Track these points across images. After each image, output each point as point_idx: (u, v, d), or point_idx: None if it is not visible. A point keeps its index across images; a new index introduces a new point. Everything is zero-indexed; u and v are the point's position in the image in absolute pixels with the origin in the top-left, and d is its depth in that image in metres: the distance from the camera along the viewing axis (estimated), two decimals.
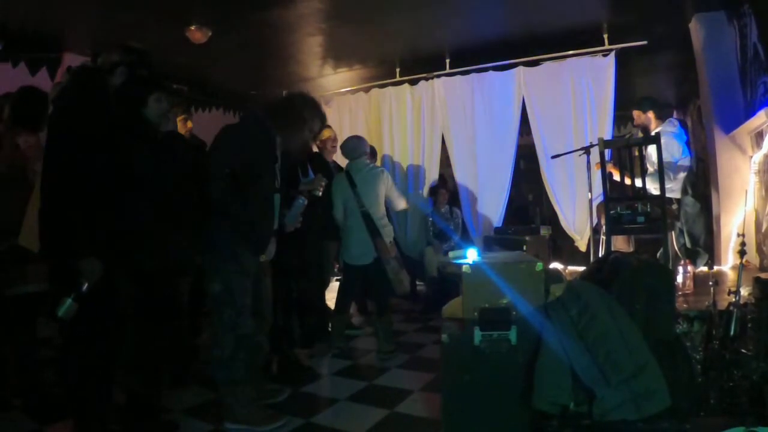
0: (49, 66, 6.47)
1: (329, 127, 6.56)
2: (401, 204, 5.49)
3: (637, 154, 4.80)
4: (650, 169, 5.20)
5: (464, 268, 3.03)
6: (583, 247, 6.84)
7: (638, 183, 4.71)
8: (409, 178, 8.19)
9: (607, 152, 5.01)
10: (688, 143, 5.69)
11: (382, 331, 5.26)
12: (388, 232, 5.23)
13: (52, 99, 3.16)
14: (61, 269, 3.03)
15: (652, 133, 5.53)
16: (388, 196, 5.37)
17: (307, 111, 3.85)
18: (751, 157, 5.64)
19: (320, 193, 4.55)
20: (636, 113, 5.98)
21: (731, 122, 5.86)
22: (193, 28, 6.15)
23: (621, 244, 5.43)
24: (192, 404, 3.98)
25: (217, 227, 3.48)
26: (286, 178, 4.06)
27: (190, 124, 4.46)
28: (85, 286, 2.82)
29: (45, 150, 3.06)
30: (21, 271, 3.66)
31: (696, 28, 6.22)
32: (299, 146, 4.01)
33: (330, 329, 5.48)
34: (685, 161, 5.57)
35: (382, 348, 5.20)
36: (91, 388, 3.02)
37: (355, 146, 5.47)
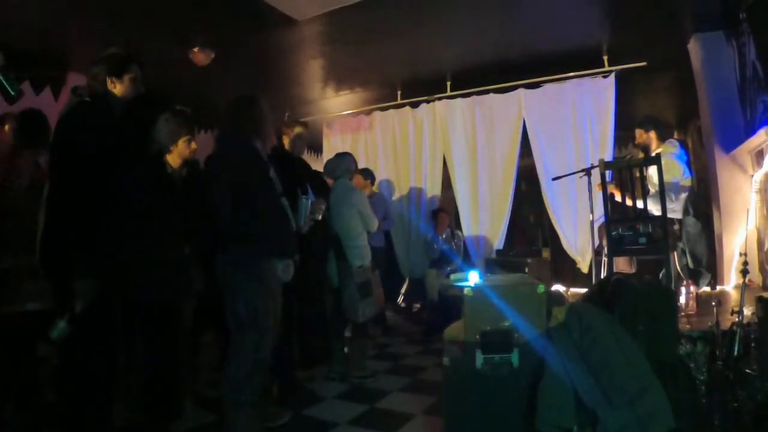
0: (53, 85, 6.52)
1: None
2: (371, 225, 5.33)
3: (638, 175, 4.80)
4: (651, 190, 5.20)
5: (466, 290, 3.02)
6: (585, 269, 6.83)
7: (639, 204, 4.71)
8: (410, 200, 8.20)
9: (608, 173, 5.02)
10: (688, 163, 5.69)
11: (356, 354, 5.23)
12: (355, 255, 5.08)
13: (58, 119, 3.16)
14: (58, 289, 3.03)
15: (653, 154, 5.53)
16: (361, 213, 5.20)
17: (260, 102, 3.84)
18: (752, 176, 5.65)
19: (320, 217, 4.54)
20: (638, 132, 5.97)
21: (731, 141, 5.87)
22: (196, 50, 6.21)
23: (623, 265, 5.42)
24: (191, 426, 3.96)
25: (238, 248, 3.49)
26: (289, 181, 4.07)
27: (194, 145, 4.46)
28: (78, 307, 2.80)
29: (49, 171, 3.07)
30: (23, 289, 3.67)
31: (695, 48, 6.26)
32: (272, 134, 4.09)
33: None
34: (686, 181, 5.55)
35: (353, 372, 5.15)
36: (88, 409, 3.00)
37: (334, 167, 5.43)
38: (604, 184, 4.82)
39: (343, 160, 5.47)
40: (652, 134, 5.81)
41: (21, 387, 3.87)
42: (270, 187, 3.67)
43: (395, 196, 8.34)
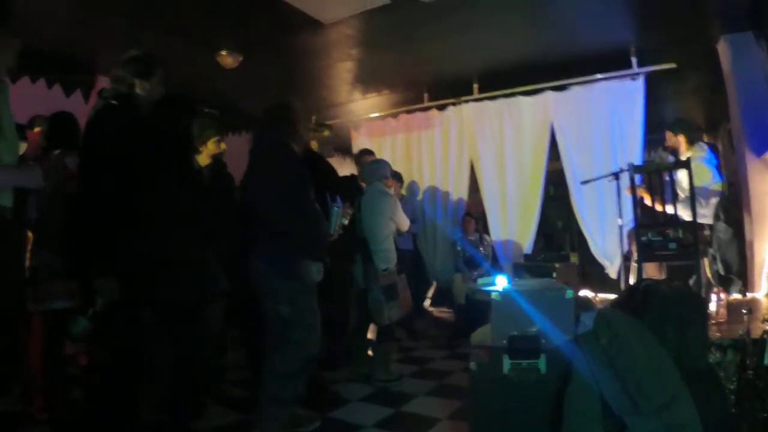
0: (83, 88, 6.64)
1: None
2: (403, 226, 5.44)
3: (667, 179, 4.75)
4: (681, 195, 5.14)
5: (493, 295, 3.01)
6: (613, 274, 6.75)
7: (669, 209, 4.66)
8: (437, 203, 8.18)
9: (637, 177, 4.97)
10: (718, 167, 5.61)
11: (379, 358, 5.25)
12: (381, 258, 5.14)
13: (86, 122, 3.20)
14: (81, 287, 3.07)
15: (682, 158, 5.46)
16: (392, 219, 5.28)
17: (296, 107, 4.01)
18: None
19: (347, 221, 4.58)
20: (668, 134, 5.91)
21: (763, 144, 5.76)
22: (224, 53, 6.25)
23: (652, 271, 5.36)
24: (216, 425, 3.98)
25: (277, 248, 3.55)
26: (317, 185, 4.14)
27: (223, 146, 4.50)
28: (99, 304, 2.83)
29: (78, 172, 3.11)
30: (51, 288, 3.74)
31: (724, 50, 6.15)
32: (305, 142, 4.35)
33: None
34: (717, 186, 5.48)
35: (378, 375, 5.16)
36: (115, 407, 3.02)
37: (371, 171, 5.49)
38: (633, 188, 4.78)
39: (379, 166, 5.54)
40: (681, 138, 5.74)
41: (48, 385, 3.93)
42: (309, 190, 3.75)
43: (422, 200, 8.32)
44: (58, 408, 3.92)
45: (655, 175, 4.94)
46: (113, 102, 3.12)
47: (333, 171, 5.28)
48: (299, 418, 3.95)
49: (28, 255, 3.86)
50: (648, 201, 5.31)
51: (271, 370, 3.56)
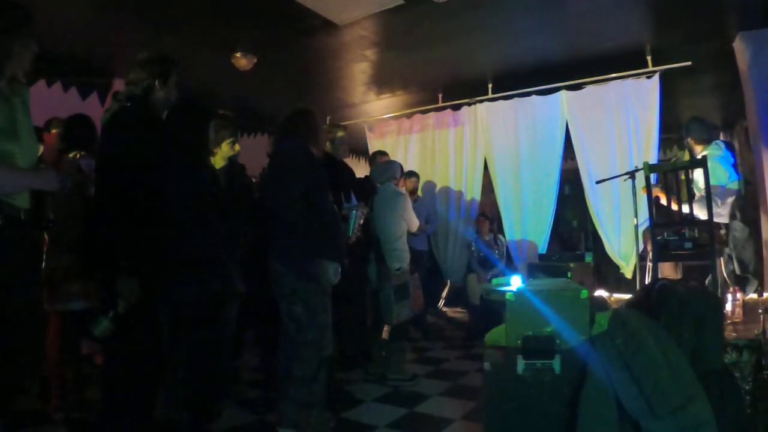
0: (100, 91, 6.68)
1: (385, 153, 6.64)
2: (412, 226, 5.49)
3: (683, 178, 4.72)
4: (697, 194, 5.09)
5: (508, 295, 3.00)
6: (629, 274, 6.71)
7: (685, 208, 4.63)
8: (450, 203, 8.16)
9: (653, 176, 4.94)
10: (735, 166, 5.55)
11: (393, 358, 5.26)
12: (394, 257, 5.18)
13: (102, 124, 3.21)
14: (101, 288, 3.08)
15: (698, 156, 5.41)
16: (404, 218, 5.33)
17: (315, 114, 4.08)
18: None
19: (362, 221, 4.61)
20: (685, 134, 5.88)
21: None
22: (238, 55, 6.29)
23: (668, 271, 5.33)
24: (229, 426, 3.99)
25: (295, 249, 3.59)
26: (334, 186, 4.19)
27: (237, 147, 4.52)
28: (121, 305, 2.84)
29: (95, 173, 3.12)
30: (67, 289, 3.77)
31: (740, 47, 6.09)
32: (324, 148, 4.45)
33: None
34: (733, 185, 5.42)
35: (391, 375, 5.17)
36: (131, 408, 3.04)
37: (382, 171, 5.53)
38: (648, 188, 4.75)
39: (389, 166, 5.58)
40: (690, 140, 5.69)
41: (64, 384, 3.97)
42: (327, 191, 3.82)
43: (436, 200, 8.29)
44: (74, 407, 3.96)
45: (670, 174, 4.91)
46: (128, 104, 3.14)
47: (350, 171, 5.30)
48: (315, 419, 3.97)
49: (44, 256, 3.89)
50: (664, 200, 5.27)
51: (290, 375, 3.59)
